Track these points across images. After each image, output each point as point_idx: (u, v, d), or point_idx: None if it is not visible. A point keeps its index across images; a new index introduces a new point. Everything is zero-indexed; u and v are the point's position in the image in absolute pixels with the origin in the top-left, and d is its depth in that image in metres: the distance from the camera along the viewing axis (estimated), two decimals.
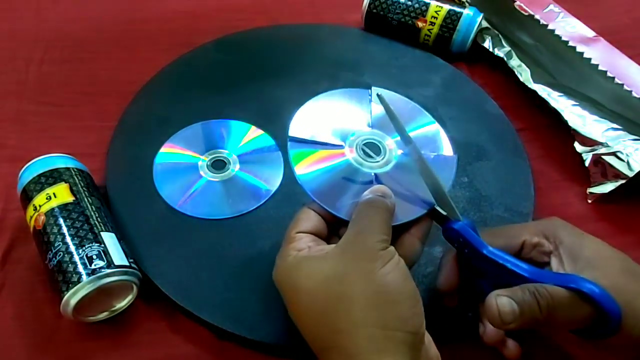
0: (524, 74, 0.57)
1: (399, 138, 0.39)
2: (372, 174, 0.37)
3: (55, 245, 0.39)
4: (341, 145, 0.38)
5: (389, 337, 0.29)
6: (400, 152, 0.39)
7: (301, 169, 0.37)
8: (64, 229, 0.40)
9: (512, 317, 0.31)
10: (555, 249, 0.35)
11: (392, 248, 0.32)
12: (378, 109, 0.39)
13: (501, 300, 0.31)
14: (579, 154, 0.51)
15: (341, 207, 0.35)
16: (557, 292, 0.31)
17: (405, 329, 0.30)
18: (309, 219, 0.36)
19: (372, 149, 0.39)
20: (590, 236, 0.35)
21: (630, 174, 0.48)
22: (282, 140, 0.52)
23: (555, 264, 0.34)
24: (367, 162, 0.38)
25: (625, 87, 0.54)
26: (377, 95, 0.38)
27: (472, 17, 0.60)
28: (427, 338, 0.32)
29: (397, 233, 0.35)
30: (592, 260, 0.33)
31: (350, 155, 0.38)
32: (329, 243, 0.35)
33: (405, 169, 0.38)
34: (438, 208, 0.36)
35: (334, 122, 0.40)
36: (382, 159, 0.38)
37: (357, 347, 0.29)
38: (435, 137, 0.40)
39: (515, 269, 0.33)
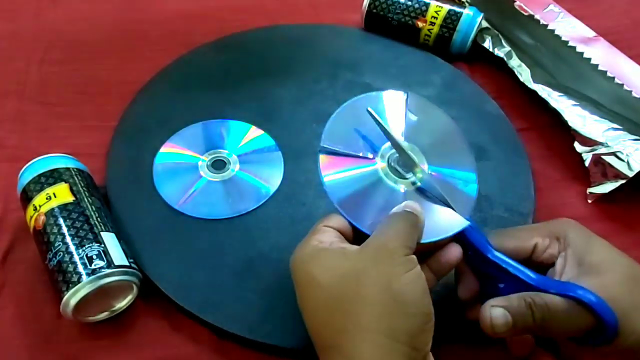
0: (524, 74, 0.57)
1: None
2: (402, 191, 0.36)
3: (55, 245, 0.39)
4: (372, 158, 0.37)
5: (394, 348, 0.29)
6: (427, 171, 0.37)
7: (329, 175, 0.36)
8: (64, 229, 0.40)
9: (505, 328, 0.31)
10: (563, 250, 0.34)
11: (414, 257, 0.31)
12: (412, 117, 0.38)
13: (495, 313, 0.32)
14: (579, 154, 0.51)
15: (365, 221, 0.35)
16: (554, 302, 0.31)
17: (412, 344, 0.29)
18: (339, 218, 0.35)
19: (403, 165, 0.37)
20: (599, 239, 0.35)
21: (630, 174, 0.48)
22: (282, 140, 0.52)
23: (559, 266, 0.34)
24: (397, 177, 0.37)
25: (625, 87, 0.54)
26: (367, 110, 0.37)
27: (472, 17, 0.60)
28: (430, 358, 0.31)
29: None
30: (595, 266, 0.33)
31: (381, 168, 0.37)
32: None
33: (431, 190, 0.37)
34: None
35: (367, 131, 0.38)
36: (411, 177, 0.37)
37: (360, 352, 0.29)
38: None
39: (518, 274, 0.33)
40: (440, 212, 0.36)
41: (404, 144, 0.37)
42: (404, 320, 0.29)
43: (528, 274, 0.33)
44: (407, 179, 0.37)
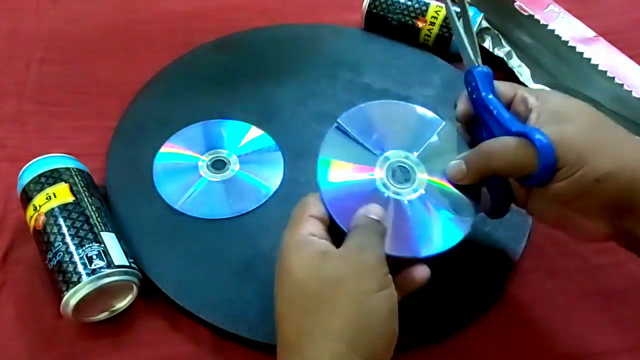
0: (524, 74, 0.57)
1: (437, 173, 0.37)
2: (392, 201, 0.36)
3: (55, 245, 0.39)
4: (375, 156, 0.37)
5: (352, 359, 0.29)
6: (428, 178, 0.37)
7: (325, 174, 0.36)
8: (64, 229, 0.40)
9: (461, 175, 0.36)
10: (539, 106, 0.35)
11: (390, 277, 0.32)
12: (436, 141, 0.38)
13: (451, 164, 0.37)
14: None
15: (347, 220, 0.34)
16: (504, 141, 0.34)
17: None
18: (318, 205, 0.35)
19: (402, 173, 0.37)
20: (575, 99, 0.37)
21: None
22: (282, 140, 0.52)
23: (534, 118, 0.35)
24: (393, 186, 0.37)
25: (625, 87, 0.54)
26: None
27: (472, 17, 0.60)
28: None
29: None
30: (561, 114, 0.34)
31: (379, 175, 0.37)
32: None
33: (422, 208, 0.36)
34: (468, 48, 0.38)
35: (384, 130, 0.38)
36: (409, 187, 0.37)
37: (319, 356, 0.29)
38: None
39: (498, 116, 0.35)
40: (439, 223, 0.36)
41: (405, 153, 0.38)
42: (369, 337, 0.30)
43: (505, 116, 0.35)
44: (404, 188, 0.37)
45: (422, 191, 0.36)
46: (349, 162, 0.37)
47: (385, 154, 0.37)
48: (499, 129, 0.35)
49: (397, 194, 0.36)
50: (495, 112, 0.36)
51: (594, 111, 0.36)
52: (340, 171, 0.36)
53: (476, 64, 0.38)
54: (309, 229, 0.33)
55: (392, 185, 0.37)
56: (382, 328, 0.30)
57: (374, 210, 0.34)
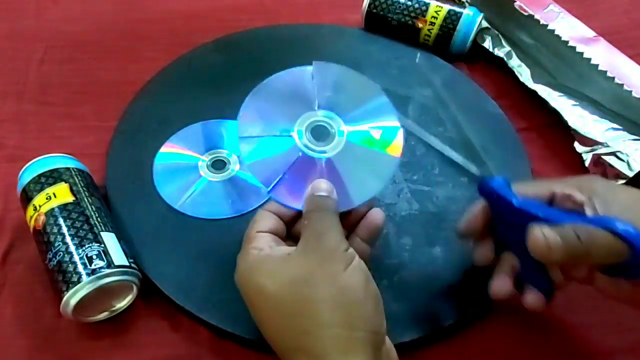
0: (524, 74, 0.57)
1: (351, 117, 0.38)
2: (322, 160, 0.37)
3: (55, 245, 0.39)
4: (289, 132, 0.38)
5: (354, 337, 0.30)
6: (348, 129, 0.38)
7: (247, 151, 0.37)
8: (64, 229, 0.40)
9: (557, 246, 0.31)
10: (588, 199, 0.34)
11: (352, 250, 0.33)
12: (324, 88, 0.39)
13: (548, 231, 0.32)
14: (579, 154, 0.51)
15: (291, 195, 0.36)
16: (594, 230, 0.31)
17: (369, 329, 0.31)
18: (268, 218, 0.36)
19: (321, 132, 0.38)
20: (625, 186, 0.36)
21: (630, 174, 0.48)
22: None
23: (589, 212, 0.34)
24: (317, 147, 0.37)
25: (625, 87, 0.54)
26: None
27: (472, 17, 0.60)
28: (388, 340, 0.33)
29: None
30: (626, 205, 0.33)
31: (299, 140, 0.37)
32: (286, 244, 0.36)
33: (352, 152, 0.38)
34: (471, 166, 0.37)
35: (280, 110, 0.39)
36: (331, 143, 0.38)
37: (323, 348, 0.30)
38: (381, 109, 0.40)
39: (548, 216, 0.33)
40: (358, 176, 0.37)
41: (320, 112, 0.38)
42: (357, 308, 0.31)
43: (557, 213, 0.33)
44: (327, 145, 0.38)
45: (343, 144, 0.37)
46: (267, 132, 0.37)
47: (297, 124, 0.38)
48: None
49: (322, 152, 0.37)
50: (540, 213, 0.33)
51: None
52: (261, 142, 0.37)
53: (487, 176, 0.37)
54: (258, 246, 0.34)
55: (314, 145, 0.37)
56: (363, 296, 0.31)
57: (321, 187, 0.35)
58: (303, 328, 0.31)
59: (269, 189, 0.36)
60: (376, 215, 0.37)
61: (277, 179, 0.36)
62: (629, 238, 0.31)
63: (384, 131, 0.38)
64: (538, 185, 0.37)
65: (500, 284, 0.37)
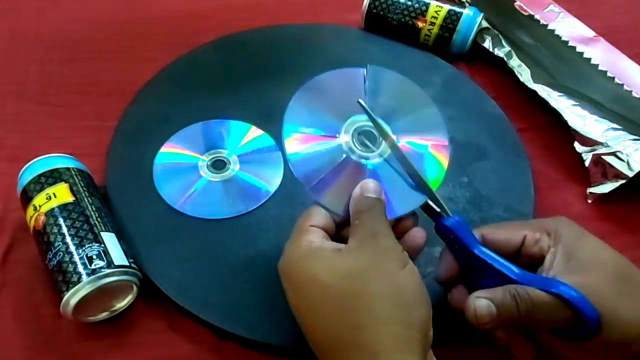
0: (524, 74, 0.57)
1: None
2: (367, 166, 0.36)
3: (55, 245, 0.39)
4: (336, 132, 0.37)
5: (411, 336, 0.30)
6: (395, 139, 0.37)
7: (291, 147, 0.36)
8: (64, 229, 0.40)
9: (489, 319, 0.31)
10: (554, 246, 0.34)
11: (406, 253, 0.33)
12: (375, 92, 0.38)
13: (479, 303, 0.32)
14: (579, 154, 0.51)
15: (332, 199, 0.35)
16: (537, 295, 0.31)
17: (423, 331, 0.30)
18: (321, 214, 0.35)
19: (368, 137, 0.37)
20: (591, 237, 0.35)
21: (630, 174, 0.48)
22: (282, 140, 0.52)
23: (548, 261, 0.34)
24: (362, 152, 0.37)
25: (625, 87, 0.54)
26: (358, 102, 0.36)
27: (472, 17, 0.60)
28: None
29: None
30: (583, 263, 0.33)
31: (345, 143, 0.37)
32: None
33: (397, 162, 0.37)
34: (430, 203, 0.36)
35: (329, 108, 0.38)
36: (377, 149, 0.37)
37: (381, 344, 0.29)
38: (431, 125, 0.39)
39: (502, 268, 0.33)
40: (401, 186, 0.36)
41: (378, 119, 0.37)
42: (414, 309, 0.30)
43: (512, 269, 0.33)
44: (373, 151, 0.37)
45: (389, 152, 0.37)
46: (313, 128, 0.37)
47: (344, 127, 0.37)
48: (503, 280, 0.33)
49: (367, 158, 0.37)
50: (495, 265, 0.33)
51: (615, 257, 0.34)
52: (305, 138, 0.36)
53: (443, 215, 0.36)
54: (310, 239, 0.33)
55: (360, 150, 0.37)
56: (419, 298, 0.31)
57: (370, 187, 0.34)
58: (358, 322, 0.30)
59: (309, 187, 0.35)
60: (418, 234, 0.36)
61: (319, 179, 0.35)
62: (572, 303, 0.31)
63: (431, 145, 0.38)
64: (509, 229, 0.37)
65: (457, 292, 0.36)
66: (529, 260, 0.35)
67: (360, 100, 0.36)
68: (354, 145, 0.37)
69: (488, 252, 0.34)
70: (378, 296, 0.30)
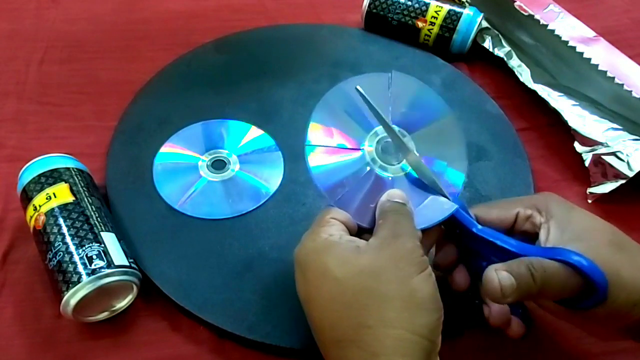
0: (524, 74, 0.57)
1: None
2: (390, 178, 0.36)
3: (55, 245, 0.39)
4: (359, 144, 0.37)
5: (415, 342, 0.29)
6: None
7: (314, 160, 0.36)
8: (64, 229, 0.40)
9: (510, 291, 0.31)
10: (545, 222, 0.35)
11: (426, 258, 0.32)
12: (399, 102, 0.37)
13: (502, 275, 0.31)
14: (579, 154, 0.51)
15: (355, 209, 0.35)
16: (549, 265, 0.31)
17: (430, 337, 0.30)
18: (341, 211, 0.35)
19: (391, 149, 0.37)
20: (582, 209, 0.35)
21: (630, 174, 0.48)
22: (282, 140, 0.52)
23: (543, 236, 0.34)
24: (386, 164, 0.37)
25: (625, 87, 0.54)
26: (356, 89, 0.35)
27: (472, 17, 0.60)
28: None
29: None
30: (579, 232, 0.33)
31: (369, 153, 0.37)
32: None
33: (422, 173, 0.37)
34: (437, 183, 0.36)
35: (352, 120, 0.37)
36: (400, 163, 0.37)
37: (383, 346, 0.29)
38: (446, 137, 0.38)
39: (505, 245, 0.33)
40: (429, 197, 0.36)
41: (395, 128, 0.36)
42: (423, 315, 0.30)
43: (514, 244, 0.33)
44: (395, 164, 0.37)
45: (415, 159, 0.36)
46: (337, 136, 0.36)
47: (375, 129, 0.37)
48: (507, 257, 0.33)
49: (385, 169, 0.36)
50: (498, 242, 0.34)
51: (608, 226, 0.34)
52: (329, 151, 0.36)
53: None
54: (330, 231, 0.33)
55: (383, 162, 0.37)
56: (431, 305, 0.31)
57: (397, 194, 0.35)
58: (364, 321, 0.30)
59: (334, 200, 0.35)
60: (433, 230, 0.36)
61: (343, 192, 0.35)
62: (583, 270, 0.31)
63: (450, 162, 0.38)
64: (501, 207, 0.37)
65: (460, 276, 0.37)
66: (522, 237, 0.35)
67: (358, 87, 0.35)
68: (378, 157, 0.37)
69: (488, 230, 0.35)
70: (388, 297, 0.30)
